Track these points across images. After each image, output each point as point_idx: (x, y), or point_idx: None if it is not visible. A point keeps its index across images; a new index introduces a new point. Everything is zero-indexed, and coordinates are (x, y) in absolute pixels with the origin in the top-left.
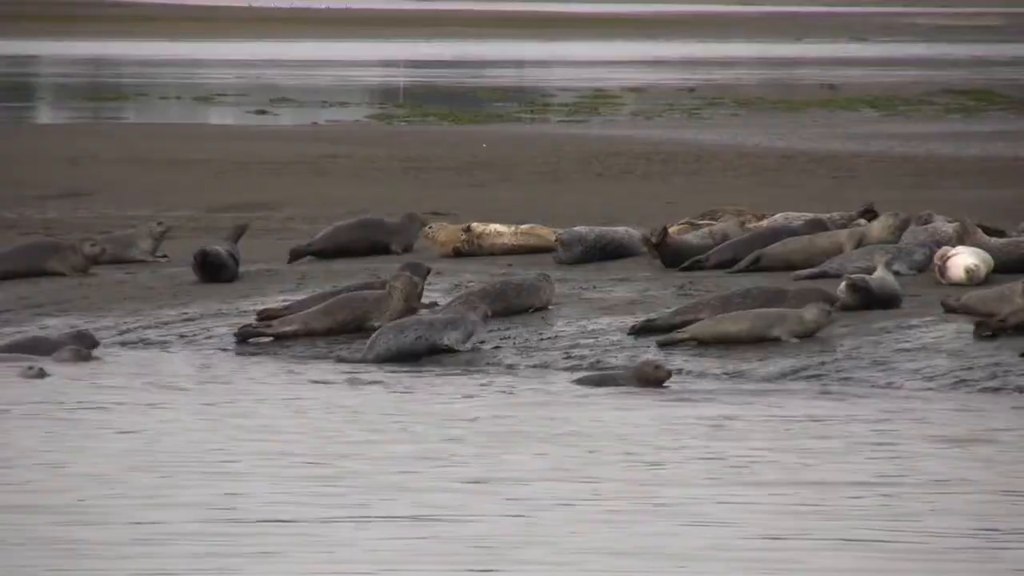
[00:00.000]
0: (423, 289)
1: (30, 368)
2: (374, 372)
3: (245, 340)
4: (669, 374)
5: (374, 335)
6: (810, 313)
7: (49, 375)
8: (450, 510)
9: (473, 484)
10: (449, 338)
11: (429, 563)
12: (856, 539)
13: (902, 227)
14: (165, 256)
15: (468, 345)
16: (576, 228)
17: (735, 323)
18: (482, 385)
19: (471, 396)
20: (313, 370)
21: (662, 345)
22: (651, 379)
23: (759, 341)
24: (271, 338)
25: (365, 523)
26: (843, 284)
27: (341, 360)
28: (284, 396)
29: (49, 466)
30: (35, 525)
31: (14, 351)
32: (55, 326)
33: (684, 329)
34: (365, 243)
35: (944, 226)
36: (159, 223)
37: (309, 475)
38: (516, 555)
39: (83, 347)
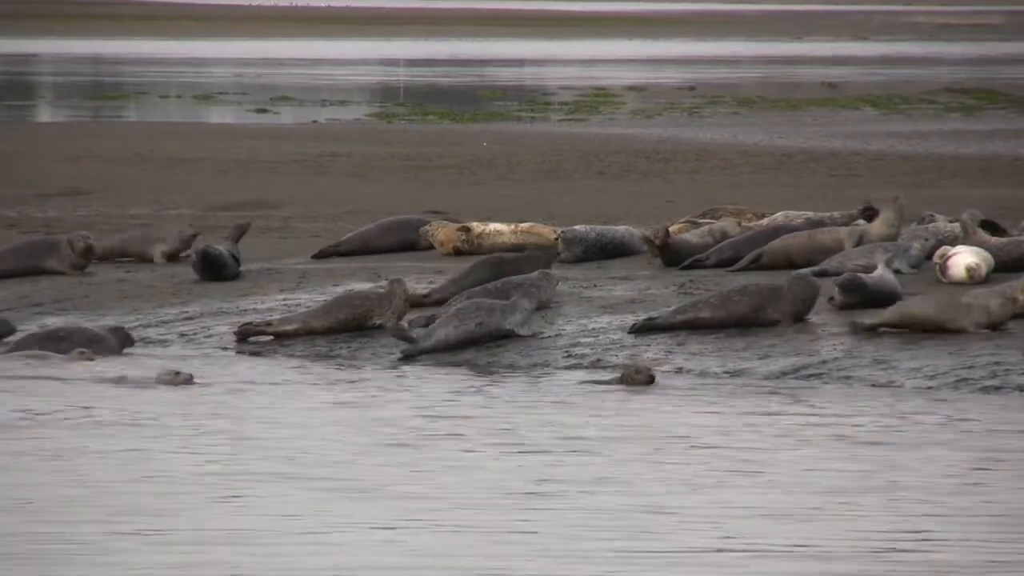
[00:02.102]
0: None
1: (177, 375)
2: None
3: (245, 339)
4: (651, 380)
5: (435, 324)
6: (994, 303)
7: (196, 382)
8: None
9: (482, 488)
10: (510, 322)
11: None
12: (854, 543)
13: (902, 213)
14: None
15: (527, 331)
16: (576, 227)
17: (925, 305)
18: (483, 384)
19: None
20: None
21: (865, 329)
22: (636, 383)
23: (949, 330)
24: (271, 337)
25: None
26: (835, 283)
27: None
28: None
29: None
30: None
31: (44, 341)
32: (55, 324)
33: (880, 317)
34: (396, 243)
35: (946, 226)
36: (191, 224)
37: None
38: (513, 554)
39: (89, 349)
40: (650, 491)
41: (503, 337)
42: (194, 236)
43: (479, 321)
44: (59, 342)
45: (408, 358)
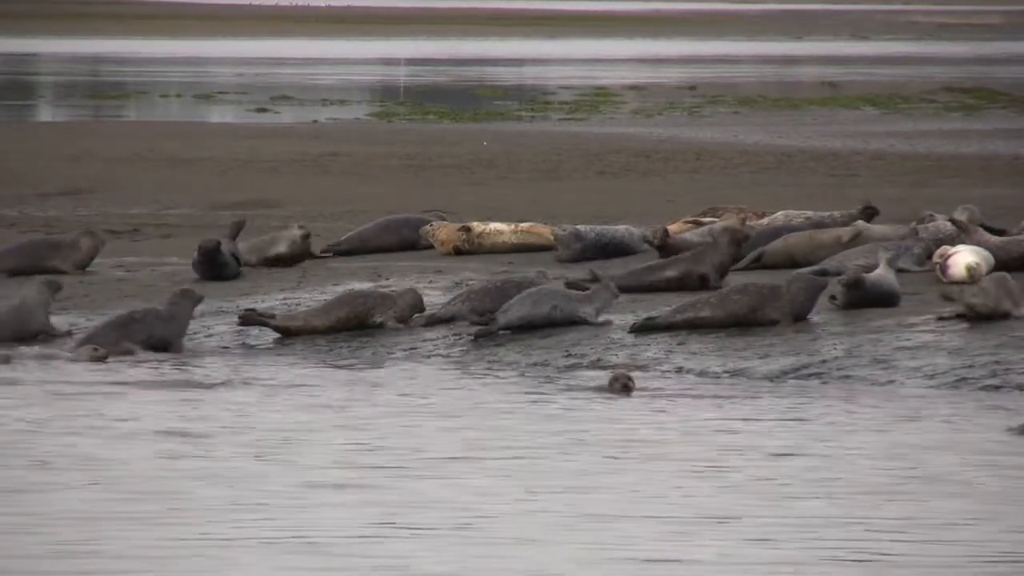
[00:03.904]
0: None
1: (96, 350)
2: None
3: (247, 324)
4: (627, 388)
5: (511, 302)
6: None
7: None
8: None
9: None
10: (584, 311)
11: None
12: (854, 545)
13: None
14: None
15: (600, 319)
16: (571, 225)
17: None
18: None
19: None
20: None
21: None
22: (613, 392)
23: None
24: (272, 330)
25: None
26: (838, 282)
27: (473, 323)
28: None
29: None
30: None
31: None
32: (57, 324)
33: None
34: (395, 242)
35: (946, 226)
36: (301, 226)
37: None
38: (505, 552)
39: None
40: (647, 489)
41: (577, 323)
42: (307, 236)
43: (554, 304)
44: (132, 325)
45: (480, 337)
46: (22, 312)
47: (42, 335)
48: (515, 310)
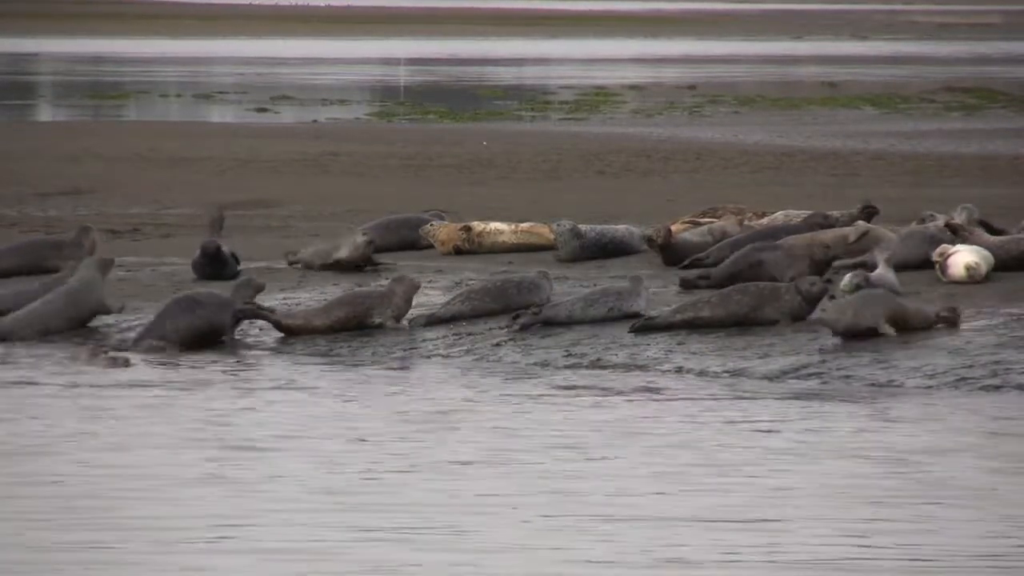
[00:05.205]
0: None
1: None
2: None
3: (246, 317)
4: None
5: (562, 299)
6: None
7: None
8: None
9: (485, 485)
10: (637, 305)
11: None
12: (848, 545)
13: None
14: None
15: (650, 310)
16: (566, 221)
17: None
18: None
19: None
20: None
21: None
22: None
23: None
24: (272, 326)
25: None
26: (844, 281)
27: (516, 318)
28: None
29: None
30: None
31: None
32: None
33: None
34: (395, 242)
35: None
36: (364, 232)
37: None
38: (503, 558)
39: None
40: (647, 488)
41: (632, 317)
42: (370, 243)
43: (610, 307)
44: (196, 307)
45: (524, 328)
46: (78, 295)
47: (98, 315)
48: (565, 309)
